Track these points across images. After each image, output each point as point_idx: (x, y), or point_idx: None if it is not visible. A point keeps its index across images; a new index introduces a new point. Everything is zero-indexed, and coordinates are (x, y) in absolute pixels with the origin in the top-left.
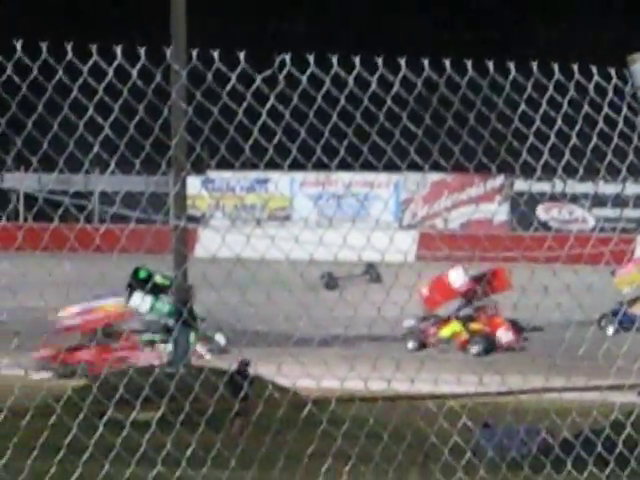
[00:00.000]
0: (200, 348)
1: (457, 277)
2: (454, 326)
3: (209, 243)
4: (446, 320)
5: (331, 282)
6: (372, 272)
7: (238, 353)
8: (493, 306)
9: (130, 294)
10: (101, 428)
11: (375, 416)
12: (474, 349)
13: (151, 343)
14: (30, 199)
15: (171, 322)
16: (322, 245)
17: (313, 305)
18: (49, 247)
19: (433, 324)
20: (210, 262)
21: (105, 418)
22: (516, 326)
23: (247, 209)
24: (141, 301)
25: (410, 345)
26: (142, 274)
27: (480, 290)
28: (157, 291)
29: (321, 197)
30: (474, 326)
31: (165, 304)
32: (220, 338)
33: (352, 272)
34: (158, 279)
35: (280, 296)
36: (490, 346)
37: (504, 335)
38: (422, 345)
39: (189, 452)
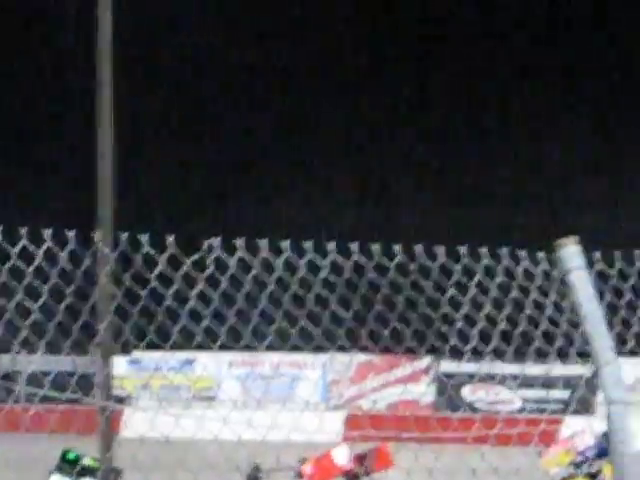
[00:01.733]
0: None
1: (341, 455)
2: None
3: (136, 424)
4: None
5: (255, 476)
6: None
7: None
8: None
9: (48, 477)
10: None
11: None
12: None
13: None
14: None
15: None
16: (250, 427)
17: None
18: None
19: None
20: (138, 443)
21: None
22: None
23: (174, 389)
24: None
25: None
26: (70, 456)
27: (363, 469)
28: (86, 474)
29: (248, 378)
30: None
31: None
32: None
33: (280, 465)
34: (87, 461)
35: (208, 478)
36: None
37: None
38: None
39: None
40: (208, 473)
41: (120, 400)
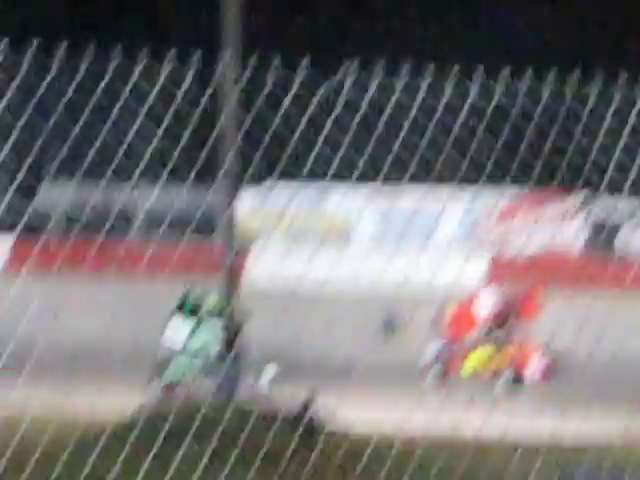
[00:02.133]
0: (246, 389)
1: (485, 301)
2: (481, 356)
3: (262, 268)
4: (471, 349)
5: (391, 328)
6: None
7: (294, 388)
8: (525, 334)
9: (167, 321)
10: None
11: (465, 467)
12: (502, 383)
13: (192, 378)
14: (66, 215)
15: (215, 353)
16: (385, 271)
17: (378, 335)
18: (85, 268)
19: (456, 354)
20: (263, 289)
21: (152, 452)
22: (550, 357)
23: (305, 228)
24: (181, 327)
25: (430, 379)
26: (193, 296)
27: (510, 316)
28: (210, 315)
29: (385, 217)
30: (503, 356)
31: (208, 330)
32: (270, 372)
33: (418, 313)
34: (211, 301)
35: (341, 325)
36: (520, 379)
37: (536, 367)
38: (443, 378)
39: None
40: (341, 318)
41: (245, 239)
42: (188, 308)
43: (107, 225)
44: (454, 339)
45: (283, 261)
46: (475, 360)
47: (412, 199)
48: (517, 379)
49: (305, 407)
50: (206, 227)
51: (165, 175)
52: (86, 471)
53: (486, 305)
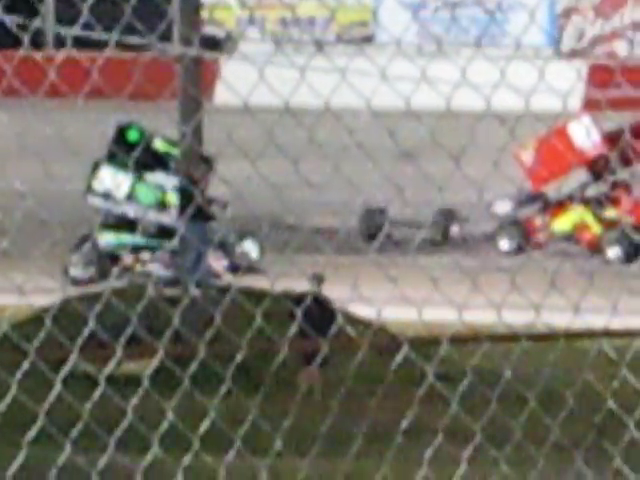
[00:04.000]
0: (215, 263)
1: (582, 133)
2: (577, 214)
3: (238, 81)
4: (564, 204)
5: (374, 228)
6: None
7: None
8: None
9: (94, 170)
10: (58, 387)
11: (516, 367)
12: (611, 251)
13: (131, 251)
14: None
15: (166, 216)
16: (426, 84)
17: (408, 183)
18: None
19: (542, 211)
20: (239, 112)
21: (64, 370)
22: None
23: (302, 25)
24: (114, 179)
25: (504, 244)
26: (132, 135)
27: (619, 155)
28: (154, 164)
29: (424, 6)
30: (610, 214)
31: (154, 186)
32: (250, 247)
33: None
34: (159, 144)
35: (357, 169)
36: (636, 246)
37: None
38: (523, 243)
39: (204, 427)
40: (356, 159)
41: (213, 42)
42: (123, 153)
43: None
44: (536, 190)
45: (269, 73)
46: (568, 221)
47: None
48: (633, 247)
49: (316, 285)
50: (148, 27)
51: None
52: None
53: (580, 140)
